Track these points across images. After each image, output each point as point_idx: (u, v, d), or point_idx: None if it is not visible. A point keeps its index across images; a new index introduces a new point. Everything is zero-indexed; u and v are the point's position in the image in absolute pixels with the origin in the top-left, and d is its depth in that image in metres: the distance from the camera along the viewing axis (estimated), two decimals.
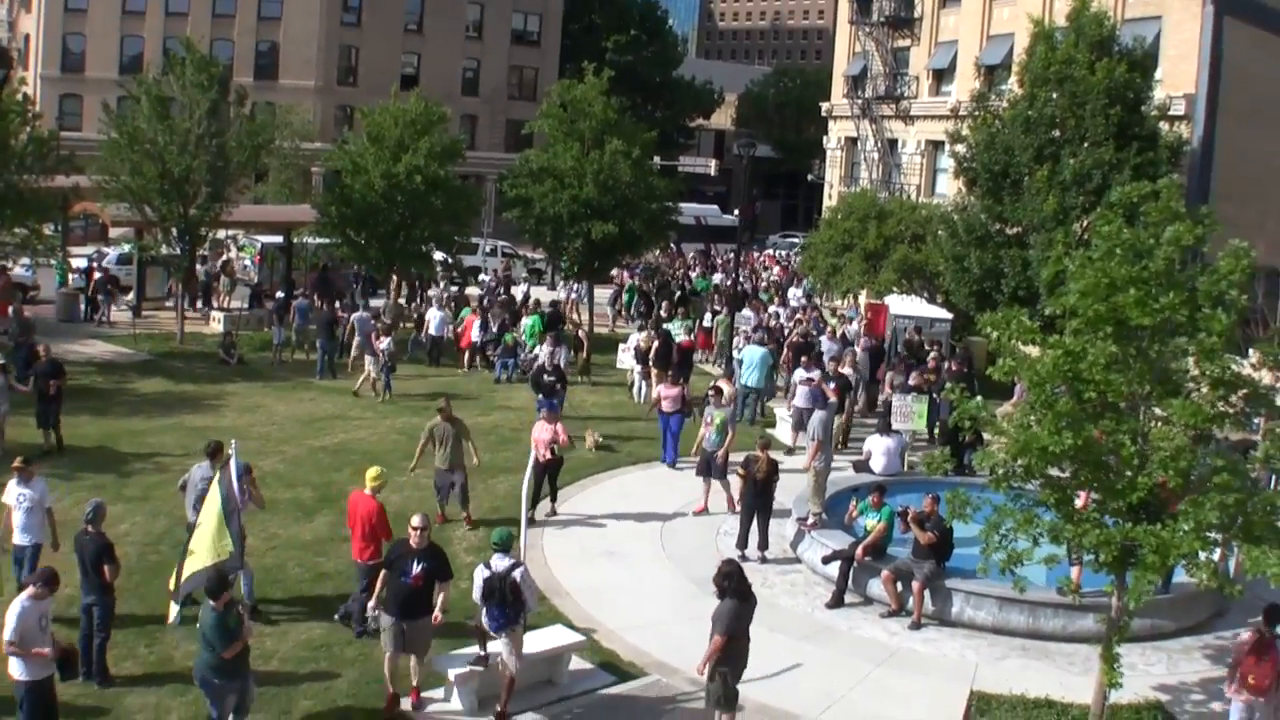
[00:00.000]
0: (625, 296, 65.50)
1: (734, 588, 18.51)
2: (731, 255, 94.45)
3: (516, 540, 21.03)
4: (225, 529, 18.88)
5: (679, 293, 65.46)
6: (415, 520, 19.24)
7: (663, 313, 52.01)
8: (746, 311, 53.09)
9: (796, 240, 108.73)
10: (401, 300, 56.60)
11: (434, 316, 50.82)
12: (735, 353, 44.52)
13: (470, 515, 28.79)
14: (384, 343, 43.14)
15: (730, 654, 18.28)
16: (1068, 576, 20.95)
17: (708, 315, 55.27)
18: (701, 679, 18.79)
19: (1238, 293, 18.17)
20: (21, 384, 34.46)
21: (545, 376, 37.96)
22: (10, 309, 46.21)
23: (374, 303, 57.03)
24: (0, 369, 32.98)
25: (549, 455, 29.00)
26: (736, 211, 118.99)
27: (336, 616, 22.49)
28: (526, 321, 49.88)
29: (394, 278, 58.48)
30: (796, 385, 38.48)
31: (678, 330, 46.49)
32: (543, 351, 42.70)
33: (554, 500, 30.13)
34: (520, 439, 35.40)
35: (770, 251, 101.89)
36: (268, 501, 27.99)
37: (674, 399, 35.65)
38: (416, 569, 18.89)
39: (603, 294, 64.87)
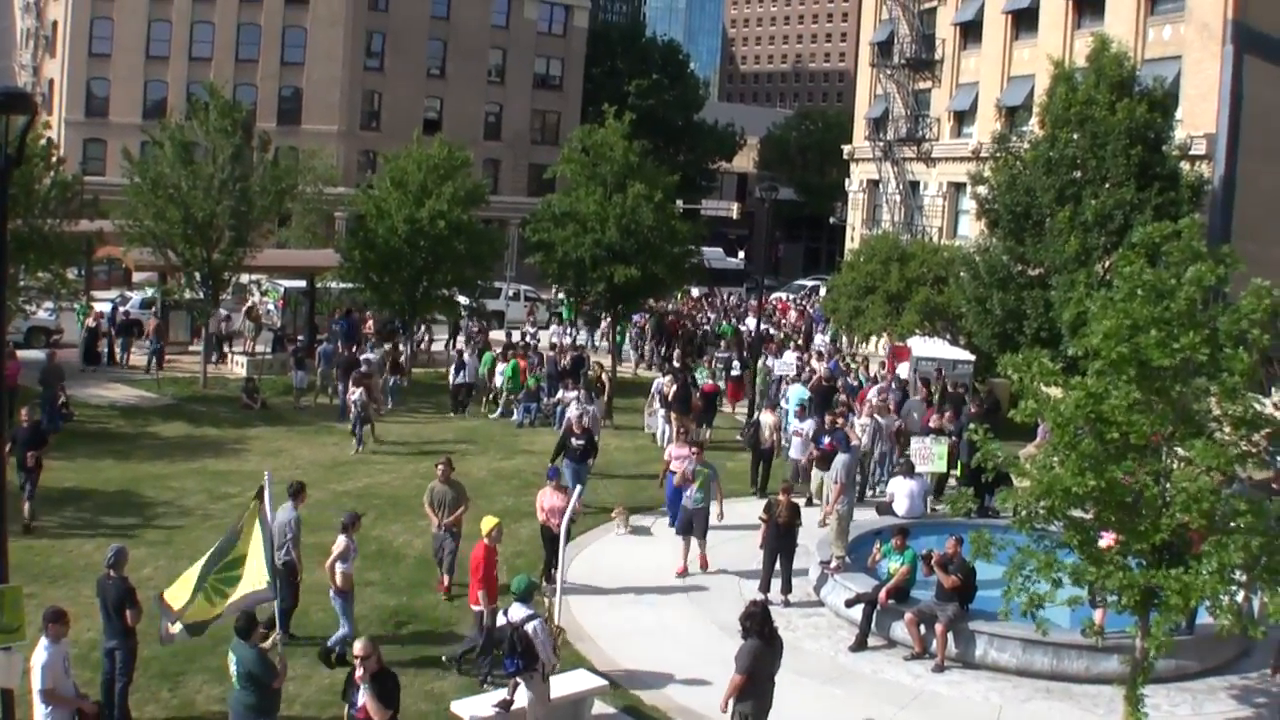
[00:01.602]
0: (619, 337, 64.65)
1: (755, 628, 18.49)
2: (734, 298, 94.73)
3: (540, 590, 21.01)
4: (264, 560, 18.82)
5: (698, 336, 65.56)
6: (358, 648, 16.89)
7: (675, 361, 51.26)
8: (770, 360, 52.68)
9: (805, 284, 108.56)
10: (387, 347, 55.65)
11: (468, 363, 50.51)
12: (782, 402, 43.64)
13: (449, 584, 27.09)
14: (355, 393, 41.83)
15: (750, 695, 18.23)
16: (1091, 618, 20.90)
17: (735, 364, 54.26)
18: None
19: (1259, 332, 18.18)
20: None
21: (574, 439, 34.39)
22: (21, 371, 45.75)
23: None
24: None
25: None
26: (741, 254, 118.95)
27: (444, 658, 22.75)
28: (504, 367, 49.53)
29: (369, 323, 58.23)
30: (791, 437, 38.01)
31: (704, 375, 46.33)
32: (570, 408, 39.78)
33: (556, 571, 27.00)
34: (543, 482, 35.32)
35: (783, 296, 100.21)
36: None
37: (686, 459, 31.69)
38: (361, 700, 16.66)
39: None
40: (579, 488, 30.37)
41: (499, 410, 48.92)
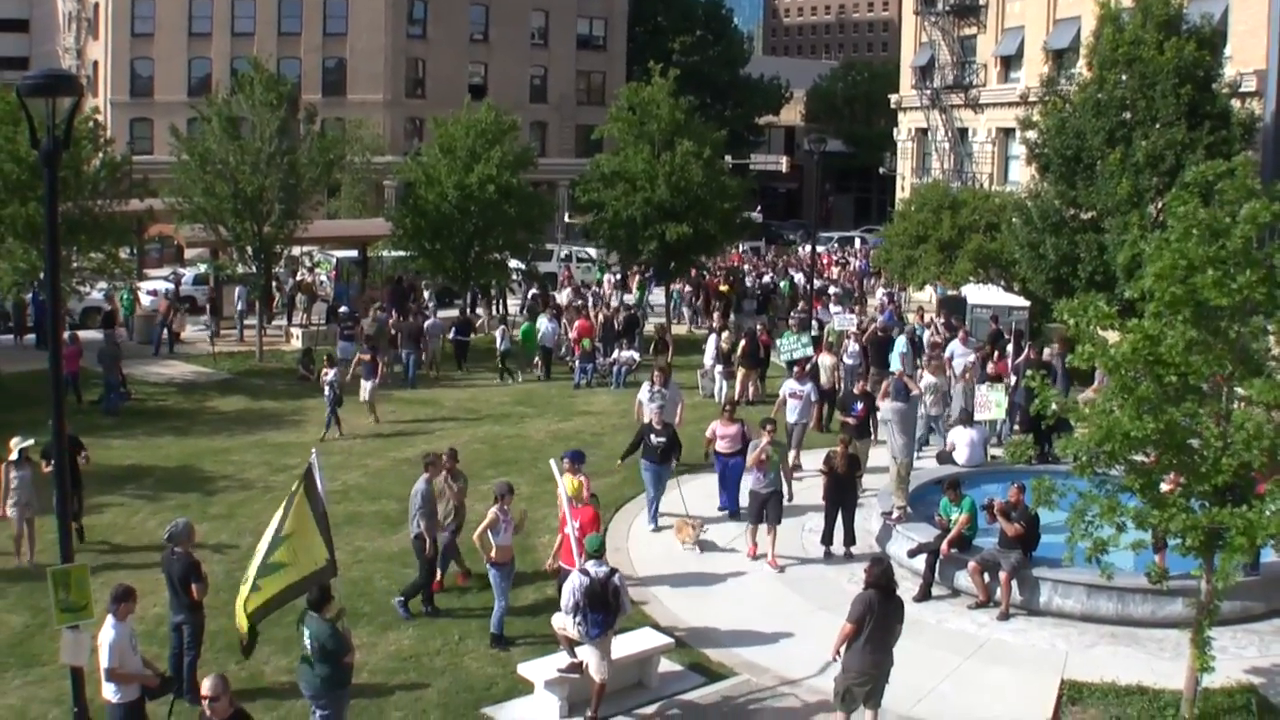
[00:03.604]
0: (639, 291, 64.42)
1: (874, 580, 18.18)
2: (769, 253, 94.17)
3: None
4: (318, 538, 18.73)
5: (747, 292, 65.57)
6: (205, 687, 14.95)
7: (715, 321, 50.52)
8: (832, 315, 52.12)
9: (832, 236, 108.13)
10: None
11: (545, 327, 49.93)
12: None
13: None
14: (330, 374, 39.08)
15: (858, 649, 18.00)
16: (1155, 562, 20.80)
17: (814, 324, 51.07)
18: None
19: None
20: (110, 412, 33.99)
21: (653, 436, 29.75)
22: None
23: (442, 313, 56.41)
24: (25, 459, 26.53)
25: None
26: (759, 208, 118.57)
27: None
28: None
29: (367, 291, 58.06)
30: (787, 399, 34.92)
31: (790, 339, 45.72)
32: (642, 393, 33.92)
33: None
34: (602, 443, 35.37)
35: (825, 250, 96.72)
36: (353, 515, 28.36)
37: (732, 438, 29.79)
38: None
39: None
40: (654, 495, 29.54)
41: (537, 372, 48.88)
